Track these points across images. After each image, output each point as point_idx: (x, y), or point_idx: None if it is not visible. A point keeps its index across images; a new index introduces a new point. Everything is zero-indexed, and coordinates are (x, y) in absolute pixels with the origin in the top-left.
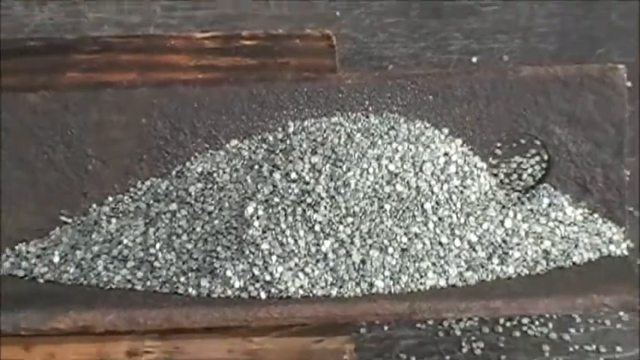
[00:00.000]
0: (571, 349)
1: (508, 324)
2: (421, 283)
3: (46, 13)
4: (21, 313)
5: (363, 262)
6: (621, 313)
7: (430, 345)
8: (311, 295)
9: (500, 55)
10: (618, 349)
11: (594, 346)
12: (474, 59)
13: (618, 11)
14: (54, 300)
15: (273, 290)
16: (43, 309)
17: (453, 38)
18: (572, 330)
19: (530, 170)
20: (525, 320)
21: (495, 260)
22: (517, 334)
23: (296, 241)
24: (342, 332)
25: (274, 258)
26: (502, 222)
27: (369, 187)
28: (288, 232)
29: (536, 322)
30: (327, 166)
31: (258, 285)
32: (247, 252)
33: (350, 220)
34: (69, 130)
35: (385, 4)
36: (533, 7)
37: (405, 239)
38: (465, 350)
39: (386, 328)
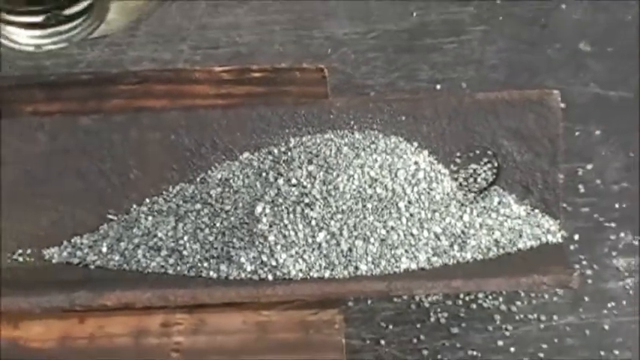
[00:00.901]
0: (517, 317)
1: (467, 298)
2: (396, 267)
3: (96, 52)
4: (76, 293)
5: (350, 250)
6: (557, 290)
7: (404, 315)
8: (308, 277)
9: (459, 83)
10: (555, 317)
11: (536, 315)
12: (438, 86)
13: (554, 48)
14: (102, 282)
15: (278, 273)
16: (93, 289)
17: (421, 70)
18: (518, 302)
19: (483, 175)
20: (480, 295)
21: (456, 247)
22: (474, 306)
23: (296, 233)
24: (334, 306)
25: (279, 247)
26: (461, 217)
27: (354, 189)
28: (289, 227)
29: (489, 297)
30: (321, 173)
31: (266, 269)
32: (257, 242)
33: (339, 216)
34: (114, 145)
35: (367, 43)
36: (485, 44)
37: (383, 231)
38: (432, 319)
39: (369, 302)
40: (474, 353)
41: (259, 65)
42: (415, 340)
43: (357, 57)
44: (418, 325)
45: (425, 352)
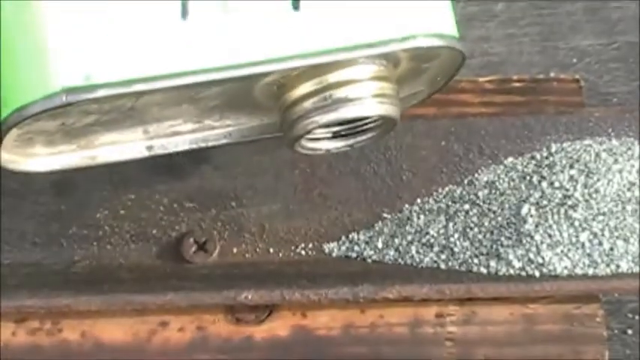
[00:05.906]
0: None
1: None
2: None
3: None
4: (359, 286)
5: (611, 249)
6: None
7: None
8: (573, 274)
9: None
10: None
11: None
12: None
13: None
14: (381, 276)
15: (544, 270)
16: (375, 283)
17: None
18: None
19: None
20: None
21: None
22: None
23: (561, 233)
24: (594, 301)
25: (545, 246)
26: None
27: (614, 192)
28: (554, 227)
29: None
30: (582, 177)
31: (533, 266)
32: (524, 241)
33: (601, 217)
34: (389, 150)
35: (609, 54)
36: None
37: None
38: None
39: (616, 295)
40: None
41: (518, 75)
42: None
43: (600, 66)
44: None
45: None
